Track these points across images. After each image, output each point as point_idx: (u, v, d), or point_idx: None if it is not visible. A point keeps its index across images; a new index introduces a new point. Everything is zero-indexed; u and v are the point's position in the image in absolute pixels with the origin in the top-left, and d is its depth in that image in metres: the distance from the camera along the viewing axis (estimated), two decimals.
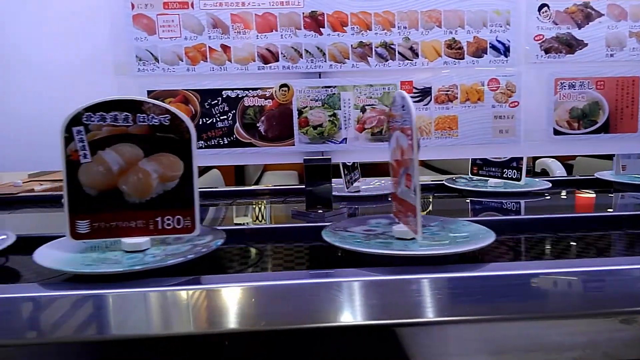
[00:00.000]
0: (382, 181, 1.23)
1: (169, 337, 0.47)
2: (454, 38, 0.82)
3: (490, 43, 0.83)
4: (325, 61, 0.82)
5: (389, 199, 0.67)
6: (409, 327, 0.47)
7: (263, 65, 0.82)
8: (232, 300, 0.48)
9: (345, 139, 0.84)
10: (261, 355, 0.47)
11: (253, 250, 0.68)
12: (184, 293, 0.48)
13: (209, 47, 0.81)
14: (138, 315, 0.48)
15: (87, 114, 0.57)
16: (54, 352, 0.47)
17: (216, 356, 0.46)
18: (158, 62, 0.80)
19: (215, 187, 1.45)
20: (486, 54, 0.83)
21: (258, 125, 0.83)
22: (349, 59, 0.82)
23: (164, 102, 0.83)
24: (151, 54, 0.80)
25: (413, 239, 0.59)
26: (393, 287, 0.49)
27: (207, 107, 0.82)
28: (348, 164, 1.12)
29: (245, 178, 2.59)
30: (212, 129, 0.82)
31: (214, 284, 0.49)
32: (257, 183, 2.56)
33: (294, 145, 0.84)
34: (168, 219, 0.59)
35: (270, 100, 0.83)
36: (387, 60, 0.82)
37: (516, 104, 0.85)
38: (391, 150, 0.65)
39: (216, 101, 0.82)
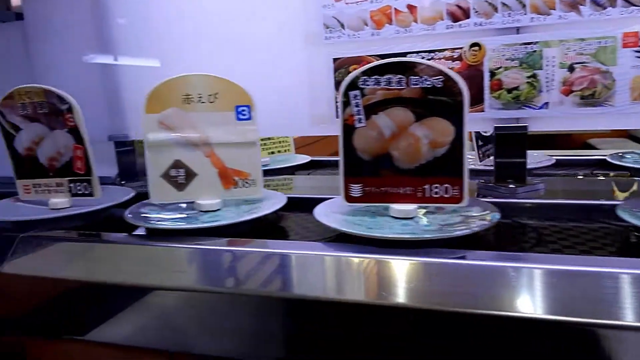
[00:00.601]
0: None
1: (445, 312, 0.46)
2: None
3: None
4: (525, 14, 0.72)
5: None
6: None
7: (452, 23, 0.75)
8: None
9: (547, 103, 0.73)
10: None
11: (527, 227, 0.63)
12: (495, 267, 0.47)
13: (395, 8, 0.77)
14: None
15: (363, 77, 0.57)
16: (334, 311, 0.50)
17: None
18: (344, 28, 0.80)
19: None
20: None
21: None
22: (554, 9, 0.70)
23: (348, 69, 0.83)
24: (338, 21, 0.80)
25: None
26: None
27: None
28: (484, 134, 0.99)
29: None
30: None
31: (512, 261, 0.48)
32: None
33: (483, 111, 0.76)
34: (436, 187, 0.58)
35: (459, 61, 0.76)
36: (604, 8, 0.68)
37: None
38: None
39: None
